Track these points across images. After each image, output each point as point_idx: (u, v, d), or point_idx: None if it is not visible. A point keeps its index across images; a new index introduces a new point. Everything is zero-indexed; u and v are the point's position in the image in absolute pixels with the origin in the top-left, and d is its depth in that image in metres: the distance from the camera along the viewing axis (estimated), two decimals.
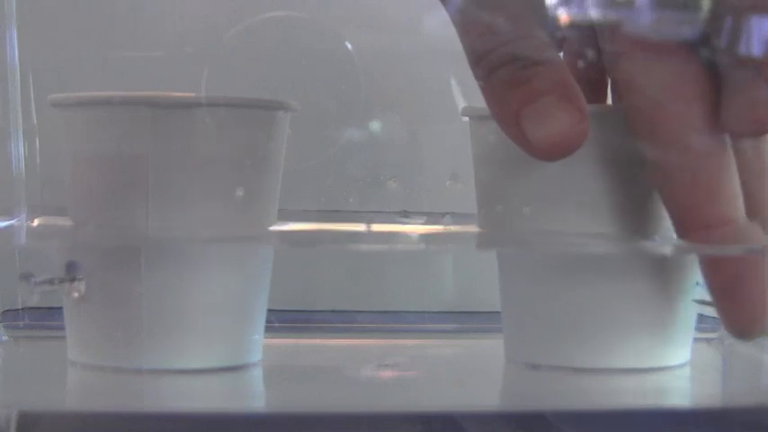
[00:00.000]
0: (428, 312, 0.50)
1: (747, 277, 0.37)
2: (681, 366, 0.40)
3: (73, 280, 0.38)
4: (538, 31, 0.35)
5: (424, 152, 0.50)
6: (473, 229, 0.41)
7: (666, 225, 0.38)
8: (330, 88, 0.47)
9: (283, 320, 0.43)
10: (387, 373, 0.40)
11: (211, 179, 0.37)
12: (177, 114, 0.37)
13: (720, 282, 0.37)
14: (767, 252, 0.37)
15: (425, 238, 0.41)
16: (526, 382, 0.40)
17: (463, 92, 0.45)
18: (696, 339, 0.41)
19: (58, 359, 0.39)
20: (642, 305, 0.39)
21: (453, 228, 0.42)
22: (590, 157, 0.37)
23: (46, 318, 0.42)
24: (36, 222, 0.40)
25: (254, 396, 0.39)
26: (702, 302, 0.39)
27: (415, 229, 0.42)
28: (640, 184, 0.38)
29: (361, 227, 0.41)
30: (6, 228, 0.40)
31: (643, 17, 0.36)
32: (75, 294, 0.38)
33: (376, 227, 0.41)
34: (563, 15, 0.37)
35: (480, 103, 0.36)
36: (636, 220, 0.38)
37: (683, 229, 0.37)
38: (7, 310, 0.43)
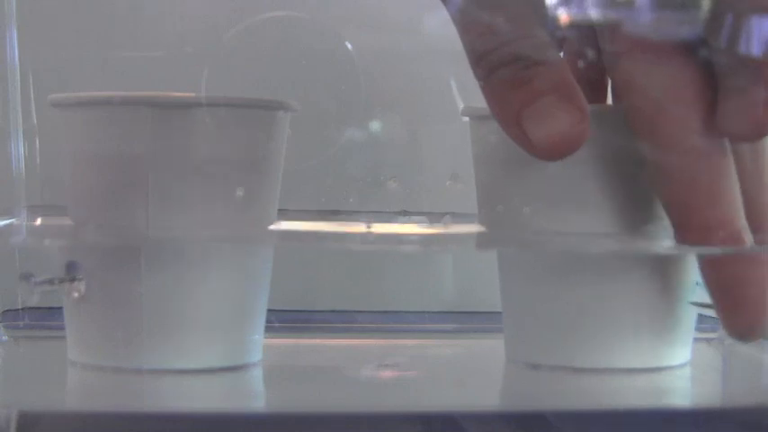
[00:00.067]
0: (428, 312, 0.50)
1: (747, 279, 0.37)
2: (681, 366, 0.40)
3: (73, 280, 0.38)
4: (538, 30, 0.35)
5: (424, 152, 0.50)
6: (473, 228, 0.41)
7: (666, 225, 0.38)
8: (330, 88, 0.47)
9: (283, 320, 0.42)
10: (387, 373, 0.40)
11: (211, 179, 0.37)
12: (177, 114, 0.37)
13: (720, 283, 0.37)
14: (767, 253, 0.37)
15: (425, 237, 0.41)
16: (526, 382, 0.40)
17: (463, 92, 0.45)
18: (696, 339, 0.41)
19: (57, 359, 0.39)
20: (642, 305, 0.39)
21: (453, 228, 0.42)
22: (590, 157, 0.37)
23: (46, 318, 0.42)
24: (36, 222, 0.40)
25: (254, 396, 0.39)
26: (701, 305, 0.39)
27: (414, 229, 0.42)
28: (640, 184, 0.38)
29: (361, 227, 0.41)
30: (6, 227, 0.40)
31: (643, 17, 0.36)
32: (75, 294, 0.38)
33: (376, 227, 0.41)
34: (563, 15, 0.37)
35: (480, 103, 0.36)
36: (636, 220, 0.38)
37: (681, 230, 0.37)
38: (7, 310, 0.43)
